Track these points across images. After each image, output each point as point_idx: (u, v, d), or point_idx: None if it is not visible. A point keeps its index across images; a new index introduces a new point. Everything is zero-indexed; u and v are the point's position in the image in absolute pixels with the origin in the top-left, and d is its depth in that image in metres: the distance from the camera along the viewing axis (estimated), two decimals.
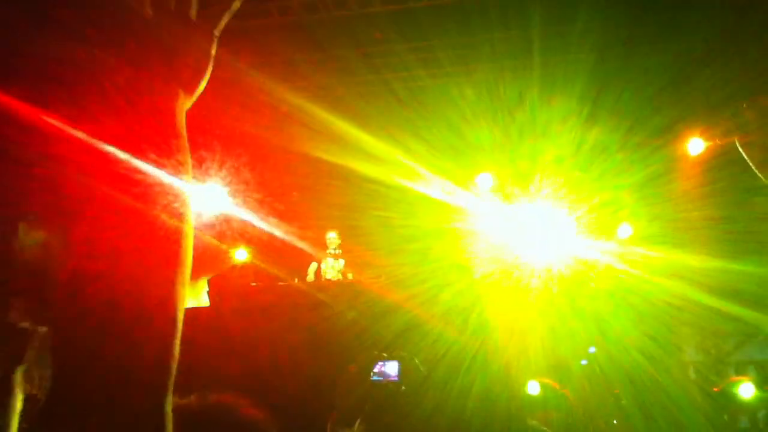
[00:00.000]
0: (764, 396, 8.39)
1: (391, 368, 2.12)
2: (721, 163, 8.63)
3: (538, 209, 9.82)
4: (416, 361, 2.23)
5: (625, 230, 10.15)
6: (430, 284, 7.80)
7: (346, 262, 8.54)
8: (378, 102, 8.33)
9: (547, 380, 9.04)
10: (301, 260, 8.93)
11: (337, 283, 8.09)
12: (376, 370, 2.11)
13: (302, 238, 9.45)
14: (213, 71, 0.88)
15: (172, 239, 0.85)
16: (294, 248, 9.37)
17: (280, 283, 7.89)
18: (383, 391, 2.11)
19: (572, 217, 9.80)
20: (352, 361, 2.12)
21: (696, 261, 9.29)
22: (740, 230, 8.81)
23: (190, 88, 0.86)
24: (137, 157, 0.75)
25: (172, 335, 0.83)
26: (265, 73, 7.83)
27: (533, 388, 9.08)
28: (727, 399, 8.62)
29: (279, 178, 10.02)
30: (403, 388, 2.15)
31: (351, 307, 6.76)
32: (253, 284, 8.25)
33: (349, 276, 8.38)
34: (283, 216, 9.61)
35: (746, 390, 8.40)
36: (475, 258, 9.40)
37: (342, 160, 9.42)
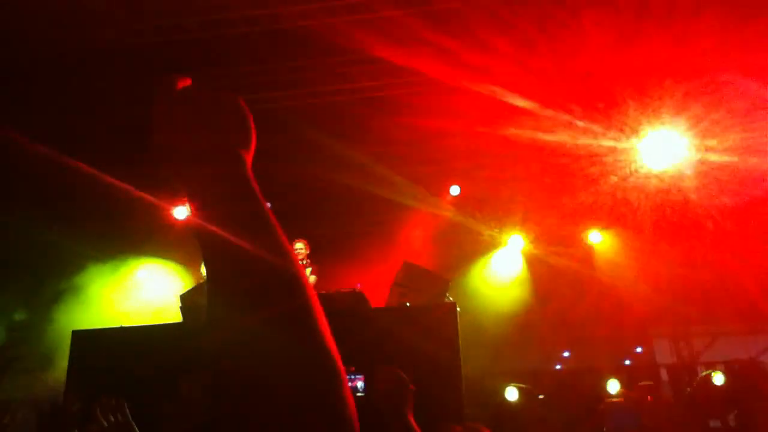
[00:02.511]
0: (734, 396, 8.56)
1: (359, 383, 2.08)
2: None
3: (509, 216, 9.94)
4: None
5: (595, 236, 10.30)
6: (405, 293, 7.77)
7: (314, 273, 8.42)
8: (350, 111, 8.35)
9: (524, 385, 9.11)
10: None
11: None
12: None
13: None
14: None
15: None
16: None
17: None
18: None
19: (540, 224, 9.92)
20: None
21: (664, 265, 9.47)
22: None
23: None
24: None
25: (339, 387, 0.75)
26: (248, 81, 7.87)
27: (511, 393, 9.15)
28: (700, 398, 8.78)
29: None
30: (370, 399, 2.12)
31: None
32: None
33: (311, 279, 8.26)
34: None
35: (718, 379, 8.64)
36: (449, 266, 9.44)
37: (314, 169, 9.41)
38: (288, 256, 0.78)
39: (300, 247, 8.36)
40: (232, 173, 0.83)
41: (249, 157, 0.88)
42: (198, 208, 0.80)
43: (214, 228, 0.78)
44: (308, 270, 8.26)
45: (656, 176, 9.27)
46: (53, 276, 8.58)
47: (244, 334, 0.72)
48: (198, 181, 0.82)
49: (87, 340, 6.81)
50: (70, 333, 6.91)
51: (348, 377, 2.00)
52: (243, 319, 0.73)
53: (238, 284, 0.75)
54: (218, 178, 0.83)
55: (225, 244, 0.77)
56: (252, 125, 0.91)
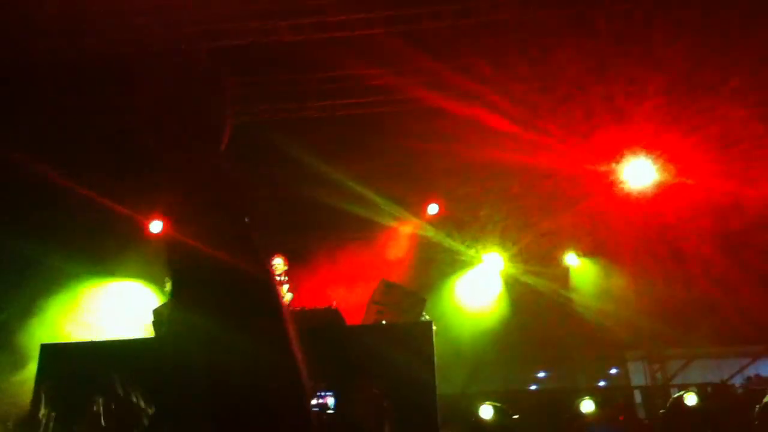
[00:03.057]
0: (707, 416, 8.60)
1: (329, 400, 2.04)
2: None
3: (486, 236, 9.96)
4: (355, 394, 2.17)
5: (572, 258, 10.34)
6: (382, 312, 7.74)
7: (291, 290, 8.31)
8: (330, 128, 8.33)
9: (498, 404, 9.08)
10: None
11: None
12: (314, 401, 2.02)
13: None
14: None
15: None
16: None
17: None
18: (320, 423, 2.03)
19: (518, 244, 9.95)
20: None
21: (640, 287, 9.55)
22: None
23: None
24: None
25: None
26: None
27: (486, 411, 9.10)
28: (673, 420, 8.81)
29: None
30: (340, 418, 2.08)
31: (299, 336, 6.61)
32: None
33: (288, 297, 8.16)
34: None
35: (690, 399, 8.68)
36: (426, 284, 9.43)
37: (294, 185, 9.38)
38: (265, 268, 0.79)
39: (278, 263, 8.27)
40: (210, 172, 0.82)
41: (225, 137, 0.88)
42: (175, 216, 0.79)
43: (190, 237, 0.75)
44: (285, 287, 8.17)
45: (635, 200, 9.35)
46: (25, 287, 8.41)
47: (220, 344, 0.71)
48: (174, 184, 0.81)
49: (56, 354, 6.67)
50: (39, 346, 6.78)
51: (318, 394, 1.96)
52: (219, 329, 0.71)
53: (214, 297, 0.73)
54: (195, 177, 0.81)
55: (200, 255, 0.74)
56: (229, 104, 0.90)
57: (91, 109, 7.98)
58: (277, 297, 0.80)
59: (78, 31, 6.87)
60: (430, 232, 10.13)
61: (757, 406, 8.60)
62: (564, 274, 10.22)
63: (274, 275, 0.81)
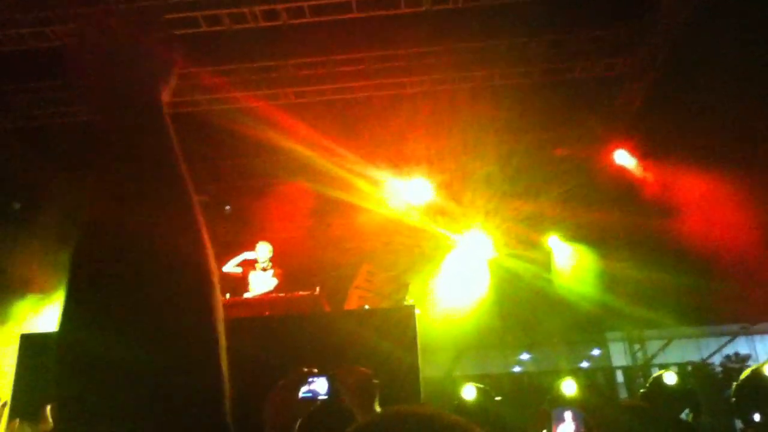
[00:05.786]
0: (687, 394, 8.72)
1: (321, 385, 2.04)
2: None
3: (468, 220, 9.99)
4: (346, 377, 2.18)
5: (554, 240, 10.39)
6: (365, 297, 7.75)
7: (277, 275, 8.31)
8: (313, 112, 8.29)
9: (481, 386, 9.17)
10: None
11: (268, 297, 7.89)
12: (305, 387, 2.02)
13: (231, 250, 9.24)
14: None
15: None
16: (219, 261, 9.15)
17: None
18: (312, 409, 2.04)
19: (501, 228, 10.00)
20: (280, 378, 2.04)
21: (620, 270, 9.63)
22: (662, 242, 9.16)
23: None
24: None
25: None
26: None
27: (469, 392, 9.15)
28: (654, 397, 8.93)
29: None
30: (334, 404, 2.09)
31: (282, 323, 6.61)
32: None
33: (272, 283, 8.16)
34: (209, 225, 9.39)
35: (670, 378, 8.77)
36: (409, 269, 9.44)
37: (279, 173, 9.35)
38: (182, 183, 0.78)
39: (264, 248, 8.26)
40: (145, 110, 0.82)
41: (167, 87, 0.88)
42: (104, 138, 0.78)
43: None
44: (270, 272, 8.17)
45: (613, 181, 9.42)
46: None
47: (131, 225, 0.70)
48: (108, 119, 0.81)
49: (36, 344, 6.61)
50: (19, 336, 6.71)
51: (309, 380, 1.96)
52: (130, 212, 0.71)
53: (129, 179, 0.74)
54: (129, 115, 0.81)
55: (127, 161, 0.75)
56: (176, 57, 0.90)
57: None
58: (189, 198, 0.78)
59: None
60: (413, 217, 10.14)
61: (734, 383, 8.76)
62: (546, 258, 10.27)
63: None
